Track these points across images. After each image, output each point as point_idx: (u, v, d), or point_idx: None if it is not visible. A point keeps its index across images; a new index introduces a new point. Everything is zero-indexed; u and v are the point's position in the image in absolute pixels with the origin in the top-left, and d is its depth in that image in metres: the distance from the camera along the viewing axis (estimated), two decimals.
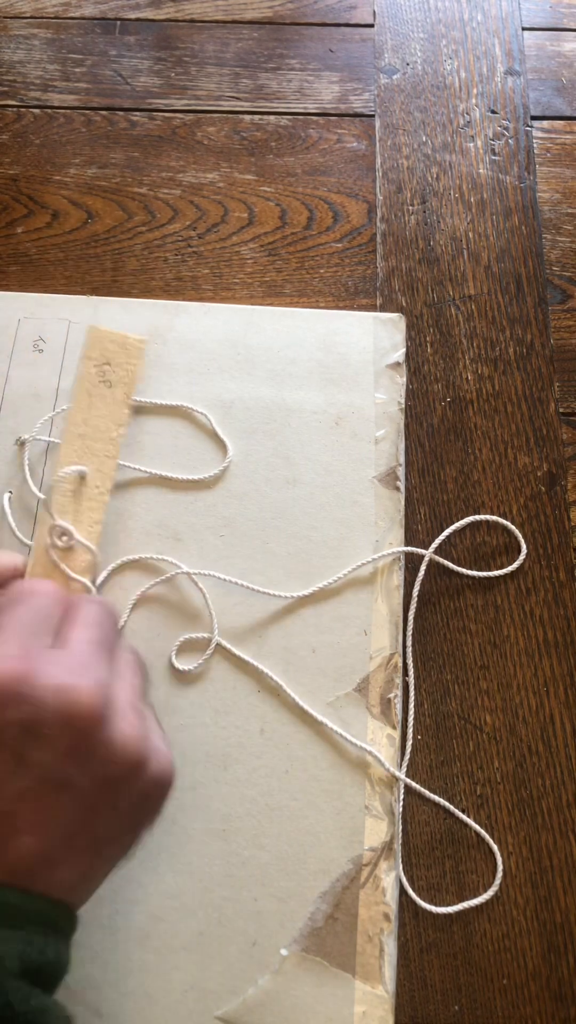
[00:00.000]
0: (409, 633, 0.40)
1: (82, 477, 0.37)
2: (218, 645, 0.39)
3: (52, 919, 0.26)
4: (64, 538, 0.35)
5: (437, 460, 0.44)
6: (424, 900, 0.35)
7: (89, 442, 0.37)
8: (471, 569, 0.41)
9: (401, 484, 0.42)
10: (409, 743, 0.38)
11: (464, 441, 0.45)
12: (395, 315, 0.47)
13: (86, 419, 0.38)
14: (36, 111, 0.55)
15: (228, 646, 0.39)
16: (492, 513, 0.43)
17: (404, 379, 0.45)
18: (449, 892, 0.36)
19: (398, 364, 0.45)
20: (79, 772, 0.27)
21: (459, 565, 0.41)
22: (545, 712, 0.39)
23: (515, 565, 0.41)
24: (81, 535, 0.36)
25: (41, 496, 0.41)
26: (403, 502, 0.42)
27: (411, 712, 0.38)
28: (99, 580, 0.39)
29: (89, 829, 0.28)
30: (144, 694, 0.32)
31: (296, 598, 0.40)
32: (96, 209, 0.52)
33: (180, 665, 0.39)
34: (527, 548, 0.42)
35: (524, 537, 0.42)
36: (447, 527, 0.42)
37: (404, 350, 0.46)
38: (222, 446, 0.43)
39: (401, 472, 0.43)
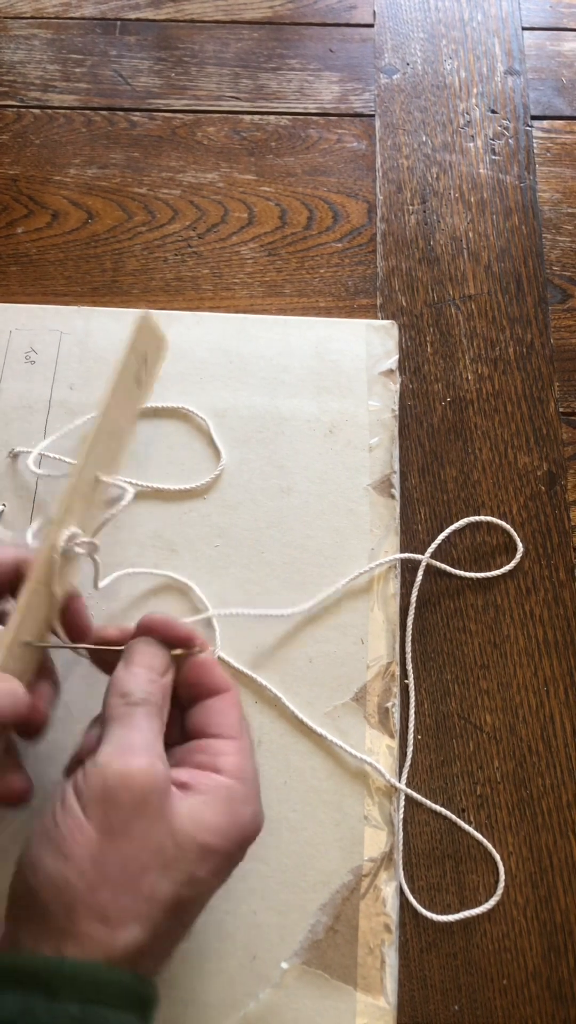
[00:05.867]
0: (408, 639, 0.38)
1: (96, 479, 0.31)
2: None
3: (153, 997, 0.25)
4: (72, 542, 0.30)
5: (437, 460, 0.42)
6: (425, 901, 0.34)
7: (112, 443, 0.31)
8: (470, 570, 0.40)
9: (396, 491, 0.41)
10: (410, 748, 0.36)
11: (464, 441, 0.43)
12: (387, 322, 0.45)
13: (116, 419, 0.31)
14: (36, 111, 0.53)
15: (227, 658, 0.37)
16: (492, 513, 0.41)
17: (397, 386, 0.43)
18: (449, 893, 0.34)
19: (391, 371, 0.43)
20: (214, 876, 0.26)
21: (458, 565, 0.40)
22: (545, 712, 0.37)
23: (511, 565, 0.39)
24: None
25: (40, 490, 0.39)
26: (398, 509, 0.40)
27: (411, 712, 0.36)
28: (102, 584, 0.37)
29: (198, 910, 0.26)
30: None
31: (297, 615, 0.37)
32: (96, 209, 0.50)
33: None
34: (526, 547, 0.40)
35: (524, 537, 0.40)
36: (447, 527, 0.40)
37: (397, 357, 0.44)
38: (215, 454, 0.41)
39: (396, 479, 0.41)
